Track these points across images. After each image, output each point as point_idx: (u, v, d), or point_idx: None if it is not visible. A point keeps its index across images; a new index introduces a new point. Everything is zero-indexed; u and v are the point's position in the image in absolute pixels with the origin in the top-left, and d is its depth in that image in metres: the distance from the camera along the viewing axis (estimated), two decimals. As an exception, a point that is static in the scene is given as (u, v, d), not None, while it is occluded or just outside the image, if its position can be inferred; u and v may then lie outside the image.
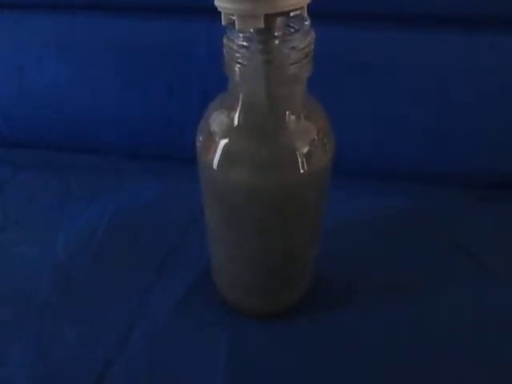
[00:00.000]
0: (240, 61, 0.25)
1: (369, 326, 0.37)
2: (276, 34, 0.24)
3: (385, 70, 0.46)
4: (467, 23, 0.44)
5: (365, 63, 0.45)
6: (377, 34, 0.45)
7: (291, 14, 0.23)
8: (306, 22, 0.25)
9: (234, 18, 0.23)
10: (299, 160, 0.27)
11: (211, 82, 0.47)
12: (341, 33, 0.45)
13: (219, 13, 0.24)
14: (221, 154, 0.28)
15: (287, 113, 0.27)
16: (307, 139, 0.28)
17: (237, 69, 0.25)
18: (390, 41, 0.45)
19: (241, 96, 0.27)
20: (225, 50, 0.26)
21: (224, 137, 0.28)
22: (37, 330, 0.37)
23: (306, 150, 0.28)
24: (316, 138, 0.28)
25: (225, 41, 0.25)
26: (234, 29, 0.24)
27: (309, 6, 0.24)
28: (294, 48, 0.24)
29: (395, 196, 0.47)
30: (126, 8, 0.49)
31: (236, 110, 0.27)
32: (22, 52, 0.51)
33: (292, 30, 0.25)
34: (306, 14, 0.25)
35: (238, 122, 0.28)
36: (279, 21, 0.24)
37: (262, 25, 0.22)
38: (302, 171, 0.28)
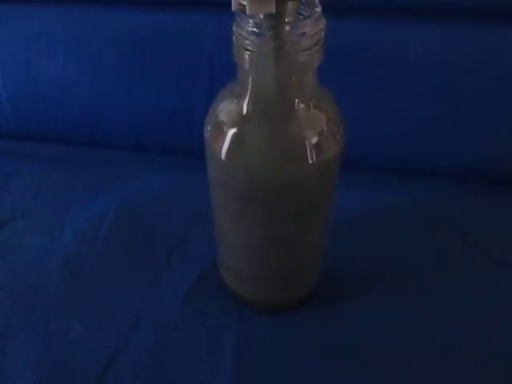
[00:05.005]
0: (249, 48, 0.25)
1: (378, 319, 0.36)
2: (286, 20, 0.24)
3: (390, 63, 0.45)
4: (480, 16, 0.43)
5: (371, 55, 0.45)
6: (388, 26, 0.45)
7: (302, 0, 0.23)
8: (317, 9, 0.25)
9: (245, 2, 0.22)
10: (308, 150, 0.27)
11: (218, 75, 0.47)
12: (351, 25, 0.44)
13: (226, 4, 0.24)
14: (229, 144, 0.28)
15: (297, 101, 0.27)
16: (317, 128, 0.28)
17: (246, 56, 0.25)
18: (401, 33, 0.45)
19: (250, 84, 0.27)
20: (234, 38, 0.25)
21: (232, 126, 0.28)
22: (43, 321, 0.37)
23: (315, 139, 0.27)
24: (326, 128, 0.28)
25: (234, 28, 0.25)
26: (244, 14, 0.23)
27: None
28: (304, 34, 0.24)
29: (395, 190, 0.46)
30: (133, 1, 0.49)
31: (245, 99, 0.27)
32: (30, 45, 0.51)
33: (302, 16, 0.25)
34: (317, 1, 0.24)
35: (247, 110, 0.27)
36: (290, 6, 0.24)
37: (273, 9, 0.22)
38: (311, 161, 0.27)
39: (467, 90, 0.45)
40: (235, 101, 0.28)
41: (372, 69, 0.45)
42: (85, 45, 0.50)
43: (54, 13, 0.50)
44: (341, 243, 0.38)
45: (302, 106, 0.27)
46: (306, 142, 0.27)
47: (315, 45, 0.25)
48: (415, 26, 0.44)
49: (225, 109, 0.29)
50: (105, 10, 0.49)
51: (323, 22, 0.25)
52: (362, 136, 0.43)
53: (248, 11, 0.22)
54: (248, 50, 0.25)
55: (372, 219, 0.44)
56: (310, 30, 0.24)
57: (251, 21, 0.24)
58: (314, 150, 0.27)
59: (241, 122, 0.28)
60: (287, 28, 0.24)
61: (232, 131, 0.28)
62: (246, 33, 0.24)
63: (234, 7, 0.24)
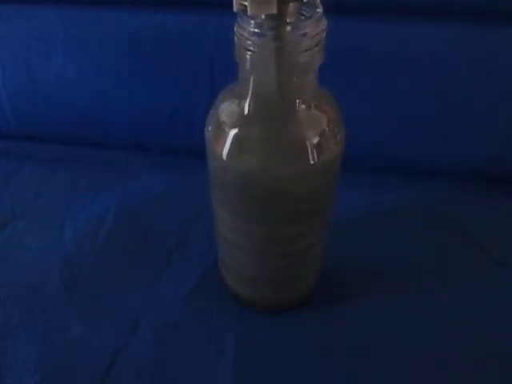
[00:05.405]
0: (251, 48, 0.25)
1: (378, 319, 0.36)
2: (288, 20, 0.24)
3: (390, 63, 0.45)
4: (480, 16, 0.43)
5: (371, 55, 0.45)
6: (388, 26, 0.45)
7: (304, 0, 0.23)
8: (318, 10, 0.25)
9: (246, 3, 0.22)
10: (309, 150, 0.27)
11: (218, 75, 0.47)
12: (351, 25, 0.44)
13: (226, 4, 0.24)
14: (231, 145, 0.28)
15: (298, 102, 0.27)
16: (318, 129, 0.28)
17: (248, 56, 0.25)
18: (401, 33, 0.45)
19: (251, 85, 0.27)
20: (235, 38, 0.25)
21: (234, 127, 0.28)
22: (43, 321, 0.37)
23: (316, 140, 0.27)
24: (327, 129, 0.28)
25: (235, 28, 0.25)
26: (246, 15, 0.23)
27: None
28: (305, 35, 0.24)
29: (395, 190, 0.47)
30: (133, 2, 0.49)
31: (246, 99, 0.27)
32: (30, 46, 0.51)
33: (303, 17, 0.25)
34: (318, 1, 0.24)
35: (248, 111, 0.27)
36: (291, 7, 0.23)
37: (274, 10, 0.22)
38: (312, 162, 0.27)
39: (467, 90, 0.45)
40: (236, 101, 0.28)
41: (372, 69, 0.45)
42: (85, 45, 0.50)
43: (54, 13, 0.50)
44: (341, 243, 0.38)
45: (303, 106, 0.27)
46: (307, 143, 0.27)
47: (316, 45, 0.25)
48: (415, 25, 0.44)
49: (226, 109, 0.29)
50: (105, 10, 0.49)
51: (324, 23, 0.25)
52: (362, 136, 0.43)
53: (249, 12, 0.22)
54: (249, 51, 0.25)
55: (372, 219, 0.44)
56: (311, 31, 0.24)
57: (252, 21, 0.24)
58: (314, 151, 0.27)
59: (242, 122, 0.28)
60: (288, 29, 0.24)
61: (233, 132, 0.28)
62: (248, 33, 0.24)
63: (235, 8, 0.23)
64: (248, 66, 0.25)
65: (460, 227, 0.43)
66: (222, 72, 0.46)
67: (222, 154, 0.28)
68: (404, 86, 0.45)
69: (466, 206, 0.45)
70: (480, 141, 0.46)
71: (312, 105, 0.28)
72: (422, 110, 0.46)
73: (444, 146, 0.47)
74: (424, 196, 0.46)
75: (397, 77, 0.45)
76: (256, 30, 0.24)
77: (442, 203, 0.45)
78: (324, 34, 0.25)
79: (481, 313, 0.37)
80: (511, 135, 0.46)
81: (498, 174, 0.47)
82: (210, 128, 0.29)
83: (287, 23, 0.24)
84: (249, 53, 0.25)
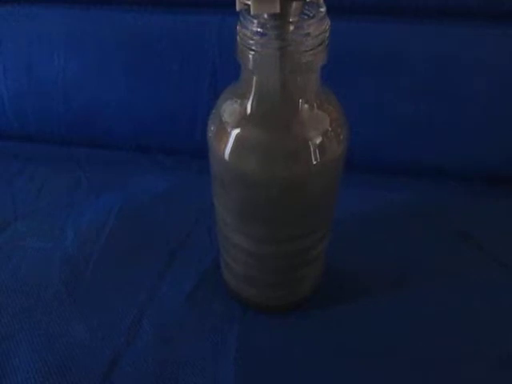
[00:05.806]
0: (253, 48, 0.24)
1: (378, 320, 0.36)
2: (291, 20, 0.24)
3: (390, 63, 0.45)
4: (480, 16, 0.43)
5: (372, 55, 0.45)
6: (389, 27, 0.45)
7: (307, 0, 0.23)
8: (322, 9, 0.25)
9: (249, 2, 0.22)
10: (312, 150, 0.27)
11: (220, 74, 0.47)
12: (351, 25, 0.45)
13: (228, 4, 0.24)
14: (233, 144, 0.28)
15: (300, 102, 0.27)
16: (320, 129, 0.28)
17: (250, 56, 0.25)
18: (401, 33, 0.45)
19: (253, 84, 0.27)
20: (238, 37, 0.25)
21: (236, 126, 0.28)
22: (45, 323, 0.37)
23: (319, 140, 0.27)
24: (329, 128, 0.28)
25: (238, 28, 0.25)
26: (249, 14, 0.23)
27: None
28: (308, 35, 0.24)
29: (396, 190, 0.47)
30: (135, 1, 0.49)
31: (248, 99, 0.27)
32: (32, 46, 0.51)
33: (306, 16, 0.25)
34: (321, 1, 0.24)
35: (251, 111, 0.27)
36: (294, 6, 0.23)
37: (277, 9, 0.22)
38: (314, 162, 0.27)
39: (467, 90, 0.45)
40: (239, 101, 0.28)
41: (372, 69, 0.45)
42: (86, 45, 0.50)
43: (55, 14, 0.50)
44: (341, 243, 0.38)
45: (306, 106, 0.27)
46: (310, 143, 0.27)
47: (319, 45, 0.25)
48: (415, 25, 0.45)
49: (228, 109, 0.29)
50: (106, 10, 0.49)
51: (328, 23, 0.25)
52: (362, 136, 0.43)
53: (252, 11, 0.22)
54: (252, 50, 0.25)
55: (372, 219, 0.44)
56: (314, 31, 0.24)
57: (255, 21, 0.24)
58: (317, 151, 0.27)
59: (244, 122, 0.28)
60: (291, 28, 0.24)
61: (235, 131, 0.28)
62: (250, 33, 0.24)
63: (238, 7, 0.23)
64: (250, 66, 0.25)
65: (460, 227, 0.43)
66: (224, 72, 0.46)
67: (224, 154, 0.28)
68: (404, 86, 0.46)
69: (466, 206, 0.45)
70: (480, 141, 0.47)
71: (315, 104, 0.27)
72: (422, 111, 0.46)
73: (444, 146, 0.47)
74: (424, 196, 0.46)
75: (397, 77, 0.45)
76: (259, 30, 0.24)
77: (442, 203, 0.45)
78: (327, 34, 0.25)
79: (481, 313, 0.37)
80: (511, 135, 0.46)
81: (499, 174, 0.47)
82: (212, 128, 0.29)
83: (290, 22, 0.24)
84: (251, 52, 0.25)
